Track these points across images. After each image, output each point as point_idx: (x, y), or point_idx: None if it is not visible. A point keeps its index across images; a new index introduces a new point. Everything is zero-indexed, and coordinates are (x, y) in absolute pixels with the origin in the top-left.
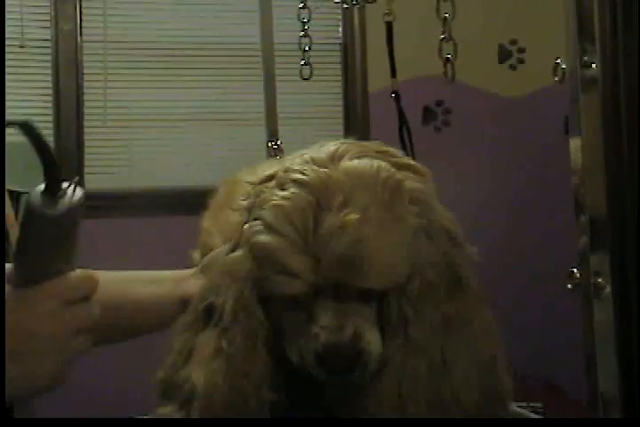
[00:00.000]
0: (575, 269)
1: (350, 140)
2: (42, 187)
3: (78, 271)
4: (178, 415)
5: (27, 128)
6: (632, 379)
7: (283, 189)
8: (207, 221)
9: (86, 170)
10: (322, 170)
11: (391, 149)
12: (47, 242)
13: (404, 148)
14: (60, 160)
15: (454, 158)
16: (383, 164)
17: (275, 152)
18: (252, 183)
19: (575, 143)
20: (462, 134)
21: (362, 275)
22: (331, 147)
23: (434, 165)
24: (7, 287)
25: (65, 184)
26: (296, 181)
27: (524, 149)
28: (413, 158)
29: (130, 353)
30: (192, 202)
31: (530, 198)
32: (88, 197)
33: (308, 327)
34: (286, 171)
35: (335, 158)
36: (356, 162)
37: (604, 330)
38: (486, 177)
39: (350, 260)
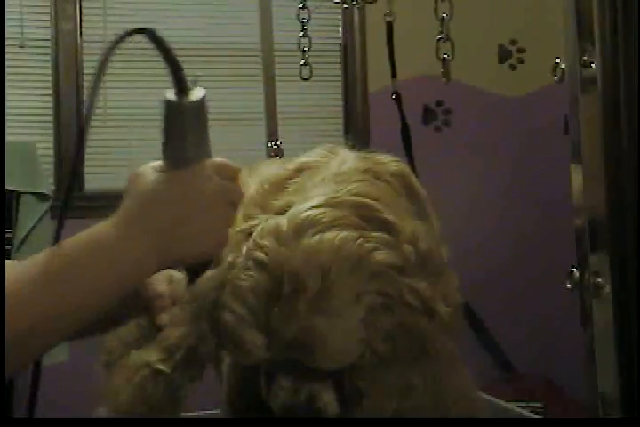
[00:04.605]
0: (575, 269)
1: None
2: (172, 89)
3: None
4: None
5: (151, 35)
6: (632, 379)
7: (246, 268)
8: None
9: (86, 170)
10: (282, 249)
11: (370, 202)
12: (188, 128)
13: (405, 148)
14: (60, 160)
15: (454, 158)
16: (350, 237)
17: (275, 152)
18: (237, 231)
19: (574, 143)
20: (462, 134)
21: (312, 359)
22: (304, 213)
23: (434, 164)
24: (155, 175)
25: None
26: (256, 261)
27: (523, 148)
28: (413, 161)
29: None
30: None
31: (530, 198)
32: (88, 197)
33: (271, 384)
34: (255, 244)
35: (300, 232)
36: (317, 239)
37: (604, 330)
38: (486, 176)
39: (299, 345)
